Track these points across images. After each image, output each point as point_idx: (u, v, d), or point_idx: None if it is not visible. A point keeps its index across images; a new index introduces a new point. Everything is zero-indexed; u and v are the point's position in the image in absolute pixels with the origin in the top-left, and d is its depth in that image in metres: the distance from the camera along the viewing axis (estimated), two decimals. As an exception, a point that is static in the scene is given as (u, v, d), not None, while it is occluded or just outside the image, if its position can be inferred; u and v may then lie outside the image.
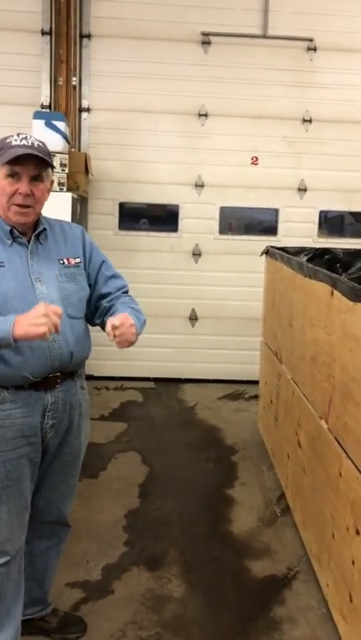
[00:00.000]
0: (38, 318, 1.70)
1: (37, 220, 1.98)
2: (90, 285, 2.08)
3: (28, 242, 1.94)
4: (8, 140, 1.88)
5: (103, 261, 2.12)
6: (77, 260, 2.03)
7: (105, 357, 5.46)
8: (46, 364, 1.90)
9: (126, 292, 2.14)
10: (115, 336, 1.83)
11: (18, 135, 1.89)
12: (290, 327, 3.36)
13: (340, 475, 2.32)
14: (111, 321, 1.84)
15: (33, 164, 1.86)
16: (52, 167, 1.99)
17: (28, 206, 1.87)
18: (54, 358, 1.91)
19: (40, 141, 1.93)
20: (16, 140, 1.87)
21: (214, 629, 2.38)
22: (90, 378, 5.44)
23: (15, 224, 1.90)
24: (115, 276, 2.13)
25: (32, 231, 1.96)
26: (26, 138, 1.89)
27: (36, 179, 1.88)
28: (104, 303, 2.08)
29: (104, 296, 2.09)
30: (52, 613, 2.32)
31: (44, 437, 1.97)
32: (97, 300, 2.10)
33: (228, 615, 2.47)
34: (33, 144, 1.88)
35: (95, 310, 2.10)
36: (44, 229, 1.98)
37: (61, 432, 2.02)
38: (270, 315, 4.01)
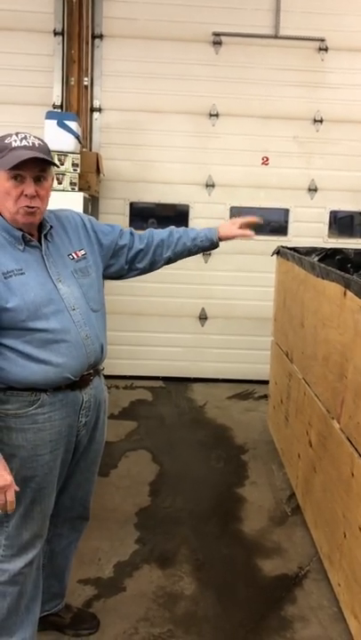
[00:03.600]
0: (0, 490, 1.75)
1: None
2: (113, 256, 2.13)
3: (39, 242, 1.91)
4: (7, 141, 1.82)
5: (112, 238, 2.13)
6: (83, 252, 2.01)
7: (115, 356, 5.46)
8: (85, 361, 1.91)
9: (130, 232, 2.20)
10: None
11: (17, 135, 1.83)
12: (301, 327, 3.37)
13: (353, 474, 2.32)
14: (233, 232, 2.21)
15: (36, 164, 1.81)
16: (56, 166, 1.96)
17: (31, 207, 1.83)
18: (90, 355, 1.93)
19: (39, 140, 1.88)
20: (16, 141, 1.81)
21: (226, 627, 2.40)
22: (100, 376, 5.48)
23: (24, 225, 1.86)
24: (120, 231, 2.16)
25: (38, 231, 1.92)
26: (26, 137, 1.83)
27: (40, 179, 1.84)
28: (138, 246, 2.17)
29: (127, 247, 2.16)
30: (65, 609, 2.34)
31: (77, 436, 1.99)
32: (130, 255, 2.16)
33: (240, 613, 2.48)
34: (34, 144, 1.82)
35: (133, 259, 2.17)
36: (51, 227, 1.95)
37: (90, 429, 2.04)
38: (281, 315, 4.01)
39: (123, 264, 2.16)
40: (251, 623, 2.42)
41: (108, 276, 2.16)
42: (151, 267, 2.22)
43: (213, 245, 2.24)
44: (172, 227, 2.25)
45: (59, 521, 2.19)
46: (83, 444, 2.04)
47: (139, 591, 2.60)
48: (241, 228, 2.23)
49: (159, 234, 2.20)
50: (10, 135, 1.84)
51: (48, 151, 1.89)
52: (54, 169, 1.96)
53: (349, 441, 2.40)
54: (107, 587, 2.62)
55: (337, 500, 2.52)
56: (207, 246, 2.24)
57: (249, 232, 2.22)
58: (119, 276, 2.19)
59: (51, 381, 1.86)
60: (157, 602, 2.53)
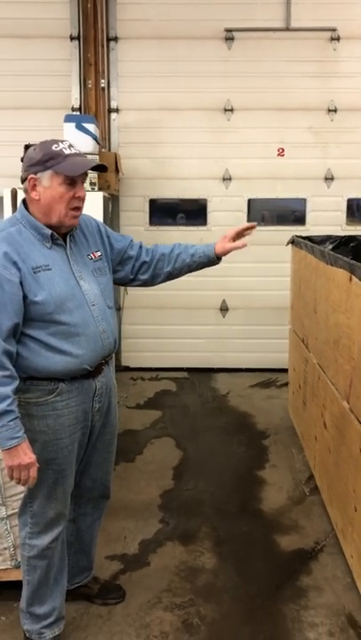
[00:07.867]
0: (25, 468, 1.94)
1: None
2: (120, 263, 2.27)
3: (64, 241, 2.07)
4: (57, 149, 1.96)
5: (123, 245, 2.27)
6: (99, 254, 2.18)
7: (140, 349, 5.71)
8: (101, 353, 2.09)
9: (140, 244, 2.32)
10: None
11: (63, 142, 1.99)
12: (315, 313, 3.47)
13: None
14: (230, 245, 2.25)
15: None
16: (105, 171, 2.17)
17: (79, 208, 2.02)
18: (105, 347, 2.10)
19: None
20: (65, 149, 1.97)
21: (243, 596, 2.54)
22: (126, 369, 5.67)
23: (69, 227, 2.03)
24: (131, 241, 2.29)
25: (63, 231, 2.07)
26: (71, 145, 2.01)
27: (82, 182, 2.03)
28: (143, 257, 2.28)
29: (135, 258, 2.28)
30: (93, 581, 2.52)
31: (92, 421, 2.16)
32: (136, 265, 2.28)
33: (257, 584, 2.62)
34: (80, 151, 2.02)
35: (138, 270, 2.29)
36: (75, 228, 2.10)
37: (103, 414, 2.21)
38: (297, 302, 4.11)
39: (128, 273, 2.30)
40: (267, 593, 2.56)
41: (113, 280, 2.30)
42: (153, 279, 2.32)
43: (212, 261, 2.30)
44: (177, 242, 2.34)
45: (82, 501, 2.37)
46: (97, 427, 2.21)
47: (162, 565, 2.76)
48: (234, 239, 2.28)
49: (163, 248, 2.32)
50: (55, 142, 2.00)
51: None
52: None
53: (358, 420, 2.51)
54: (132, 562, 2.79)
55: (348, 476, 2.63)
56: (205, 262, 2.30)
57: (240, 243, 2.26)
58: (122, 283, 2.35)
59: (70, 371, 2.03)
60: (179, 575, 2.69)
